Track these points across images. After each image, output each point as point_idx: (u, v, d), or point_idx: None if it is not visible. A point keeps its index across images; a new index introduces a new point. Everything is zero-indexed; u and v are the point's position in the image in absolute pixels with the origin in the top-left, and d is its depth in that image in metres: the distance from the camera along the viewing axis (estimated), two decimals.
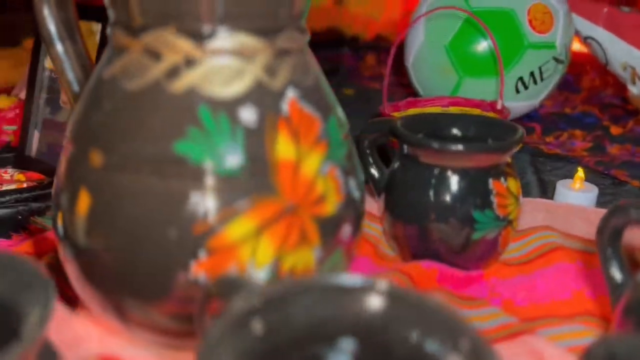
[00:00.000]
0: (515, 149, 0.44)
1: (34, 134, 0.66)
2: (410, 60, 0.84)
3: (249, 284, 0.23)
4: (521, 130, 0.46)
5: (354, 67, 1.24)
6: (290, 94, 0.33)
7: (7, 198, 0.56)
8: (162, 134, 0.31)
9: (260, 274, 0.32)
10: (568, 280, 0.44)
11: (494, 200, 0.44)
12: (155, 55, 0.31)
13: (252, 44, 0.32)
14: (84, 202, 0.32)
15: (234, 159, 0.31)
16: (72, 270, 0.35)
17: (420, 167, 0.45)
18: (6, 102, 0.78)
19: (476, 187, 0.44)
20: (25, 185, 0.59)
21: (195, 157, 0.30)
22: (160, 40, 0.31)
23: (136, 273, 0.32)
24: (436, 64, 0.80)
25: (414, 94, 0.88)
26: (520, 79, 0.77)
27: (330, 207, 0.34)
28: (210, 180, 0.30)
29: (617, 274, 0.36)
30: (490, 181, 0.44)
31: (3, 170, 0.63)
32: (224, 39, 0.31)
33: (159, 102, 0.31)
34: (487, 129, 0.49)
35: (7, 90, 0.89)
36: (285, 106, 0.32)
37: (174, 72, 0.31)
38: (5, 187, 0.58)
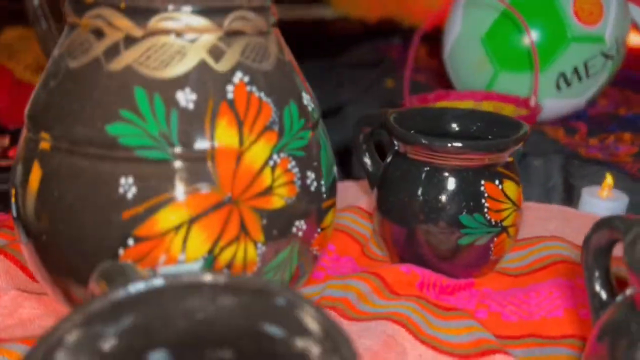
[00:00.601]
0: (512, 149, 0.40)
1: None
2: (447, 51, 0.80)
3: (130, 276, 0.21)
4: (524, 129, 0.42)
5: (402, 59, 1.20)
6: (238, 78, 0.31)
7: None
8: (97, 115, 0.30)
9: (193, 266, 0.30)
10: (562, 297, 0.39)
11: (486, 203, 0.40)
12: (98, 33, 0.30)
13: (196, 23, 0.30)
14: (33, 183, 0.32)
15: (167, 144, 0.29)
16: (25, 251, 0.34)
17: (409, 164, 0.42)
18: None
19: (466, 188, 0.40)
20: None
21: (126, 140, 0.29)
22: (103, 17, 0.30)
23: (74, 257, 0.31)
24: (472, 57, 0.75)
25: (452, 87, 0.83)
26: (562, 74, 0.71)
27: (278, 200, 0.32)
28: (140, 165, 0.29)
29: (602, 294, 0.32)
30: (483, 183, 0.40)
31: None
32: (167, 18, 0.30)
33: (96, 81, 0.30)
34: (493, 127, 0.45)
35: None
36: (231, 90, 0.30)
37: (113, 51, 0.30)
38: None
